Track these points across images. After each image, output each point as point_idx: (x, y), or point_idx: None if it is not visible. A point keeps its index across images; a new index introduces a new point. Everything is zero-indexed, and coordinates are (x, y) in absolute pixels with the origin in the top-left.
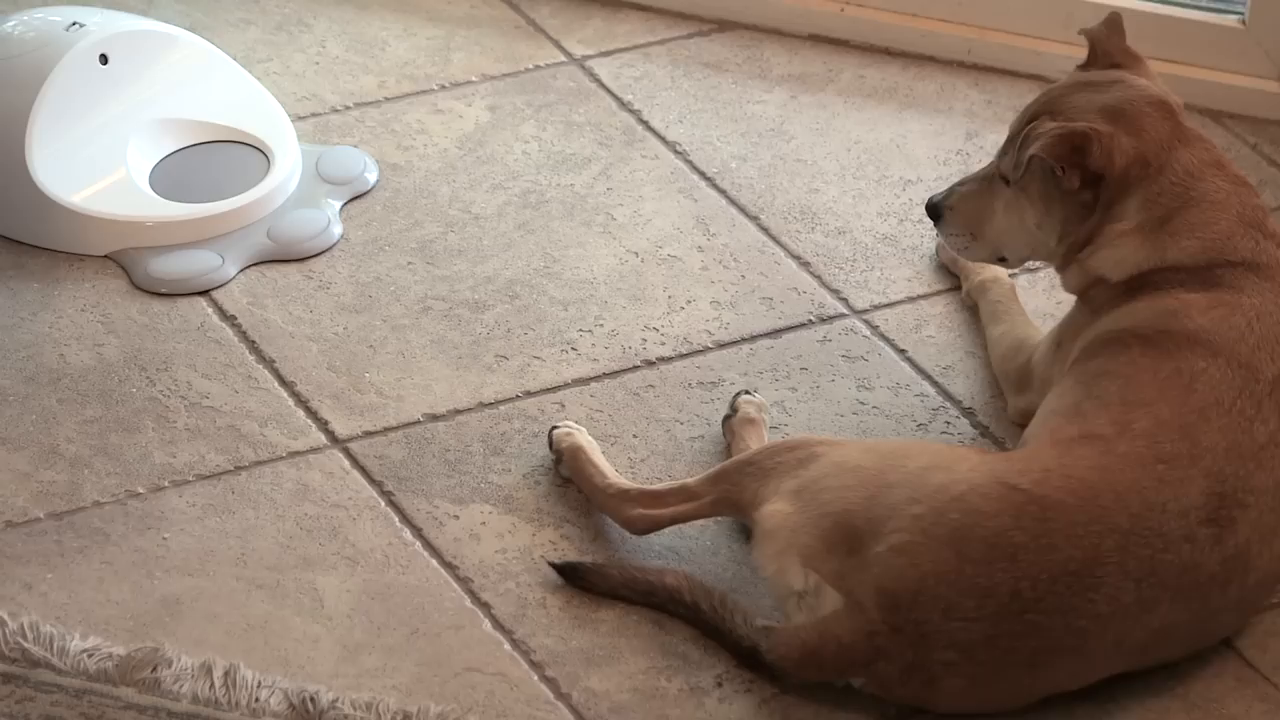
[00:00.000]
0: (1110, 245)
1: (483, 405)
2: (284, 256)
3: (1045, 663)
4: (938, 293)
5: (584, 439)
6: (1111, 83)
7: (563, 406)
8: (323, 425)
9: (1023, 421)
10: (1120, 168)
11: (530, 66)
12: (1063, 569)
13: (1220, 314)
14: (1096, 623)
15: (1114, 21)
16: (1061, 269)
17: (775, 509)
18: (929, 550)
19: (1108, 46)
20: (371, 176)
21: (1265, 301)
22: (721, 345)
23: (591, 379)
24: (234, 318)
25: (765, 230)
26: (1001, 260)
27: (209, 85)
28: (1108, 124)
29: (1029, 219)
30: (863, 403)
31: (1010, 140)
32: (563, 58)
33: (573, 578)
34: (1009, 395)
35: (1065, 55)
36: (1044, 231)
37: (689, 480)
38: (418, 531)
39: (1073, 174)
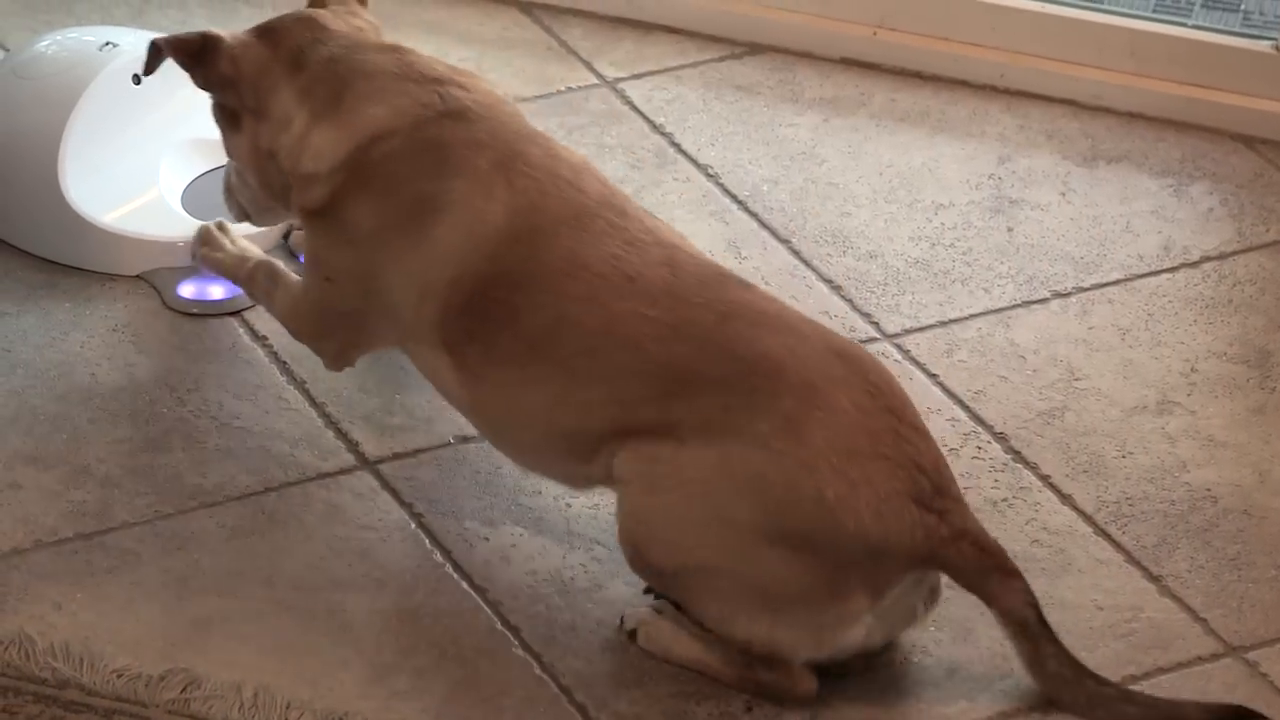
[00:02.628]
0: (301, 147)
1: None
2: None
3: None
4: (970, 317)
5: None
6: (286, 16)
7: None
8: (353, 446)
9: (343, 364)
10: (248, 72)
11: (562, 88)
12: None
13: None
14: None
15: None
16: (290, 199)
17: None
18: None
19: None
20: None
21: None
22: None
23: None
24: (265, 338)
25: (797, 254)
26: (247, 218)
27: None
28: (248, 36)
29: (234, 148)
30: None
31: None
32: (595, 80)
33: None
34: (319, 347)
35: (1097, 81)
36: (238, 158)
37: None
38: (447, 553)
39: (197, 74)
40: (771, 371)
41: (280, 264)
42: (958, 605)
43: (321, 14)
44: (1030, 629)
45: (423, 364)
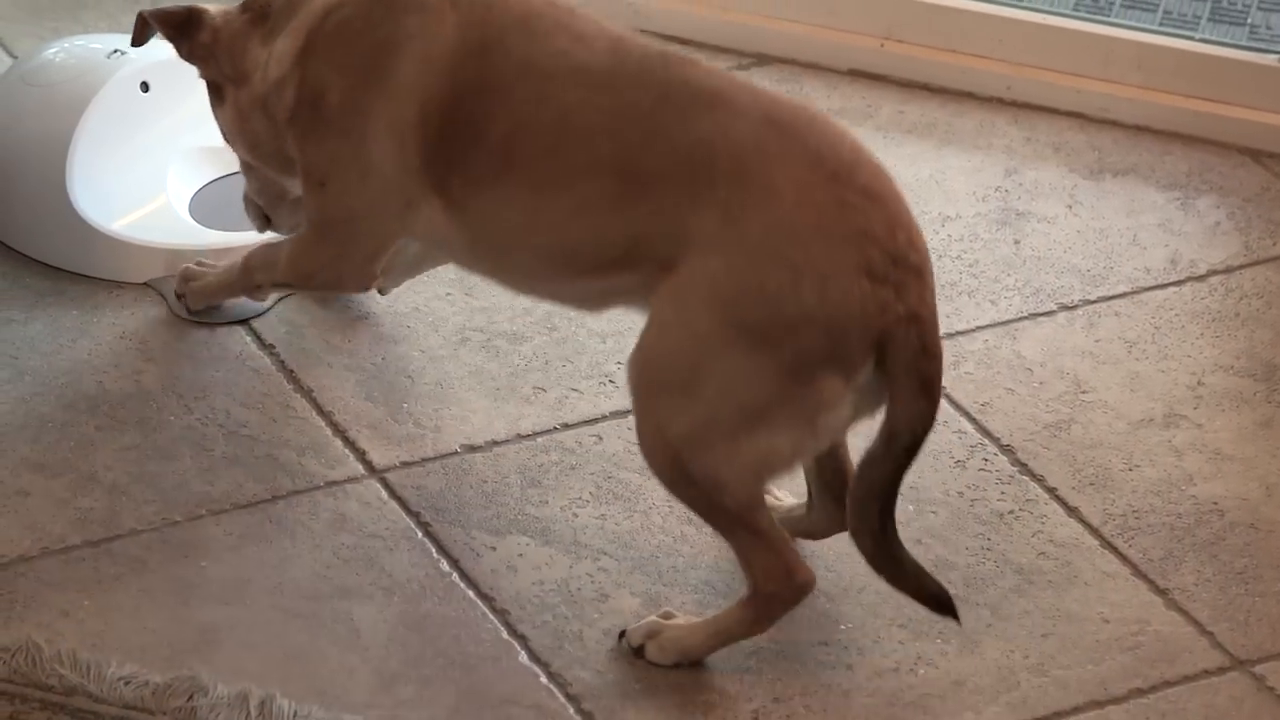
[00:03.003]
0: (269, 67)
1: (520, 437)
2: None
3: None
4: (976, 329)
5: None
6: None
7: (600, 439)
8: (360, 455)
9: (371, 281)
10: (225, 40)
11: None
12: None
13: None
14: None
15: None
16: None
17: None
18: None
19: None
20: None
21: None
22: None
23: (629, 412)
24: (272, 346)
25: None
26: (269, 223)
27: None
28: (233, 9)
29: (222, 121)
30: None
31: None
32: None
33: None
34: (339, 275)
35: (1104, 94)
36: (227, 132)
37: None
38: (454, 562)
39: (181, 46)
40: (704, 159)
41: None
42: (964, 617)
43: None
44: (892, 448)
45: (424, 230)
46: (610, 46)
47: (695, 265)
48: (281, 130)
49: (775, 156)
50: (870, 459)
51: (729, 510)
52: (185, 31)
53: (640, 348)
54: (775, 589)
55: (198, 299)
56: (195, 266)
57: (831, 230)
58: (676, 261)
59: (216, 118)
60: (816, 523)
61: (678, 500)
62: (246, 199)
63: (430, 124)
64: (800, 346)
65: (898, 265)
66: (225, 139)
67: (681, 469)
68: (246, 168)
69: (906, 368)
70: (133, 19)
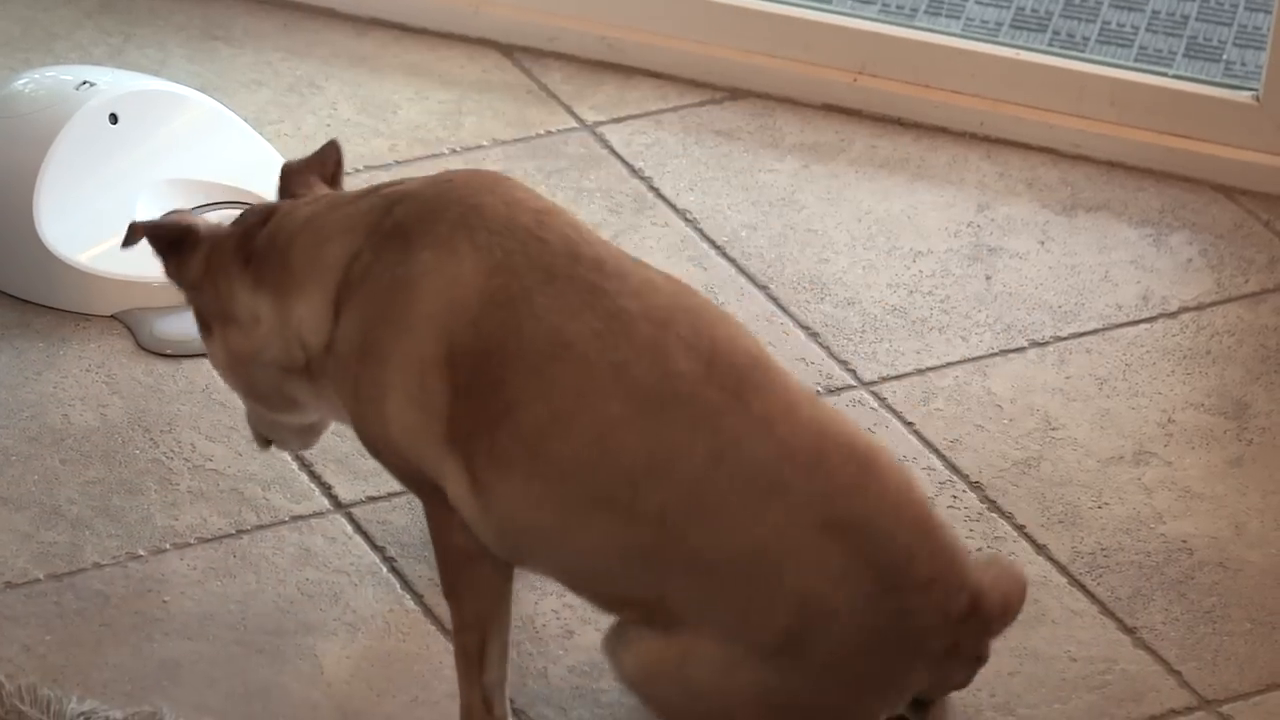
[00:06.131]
0: (292, 335)
1: None
2: None
3: None
4: (947, 365)
5: None
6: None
7: None
8: (326, 490)
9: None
10: (214, 274)
11: (542, 132)
12: None
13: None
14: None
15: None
16: (312, 372)
17: None
18: None
19: (290, 181)
20: None
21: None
22: None
23: None
24: None
25: (774, 300)
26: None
27: (219, 146)
28: (224, 232)
29: (211, 355)
30: None
31: None
32: (574, 123)
33: None
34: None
35: (1077, 129)
36: (218, 367)
37: None
38: (419, 598)
39: (170, 266)
40: (761, 571)
41: None
42: None
43: (281, 202)
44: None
45: (453, 489)
46: (651, 340)
47: (747, 674)
48: (294, 379)
49: (839, 578)
50: None
51: None
52: (178, 251)
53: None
54: None
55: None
56: None
57: (890, 646)
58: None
59: (208, 348)
60: None
61: None
62: (248, 417)
63: (456, 373)
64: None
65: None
66: (214, 366)
67: None
68: (246, 403)
69: None
70: (103, 50)
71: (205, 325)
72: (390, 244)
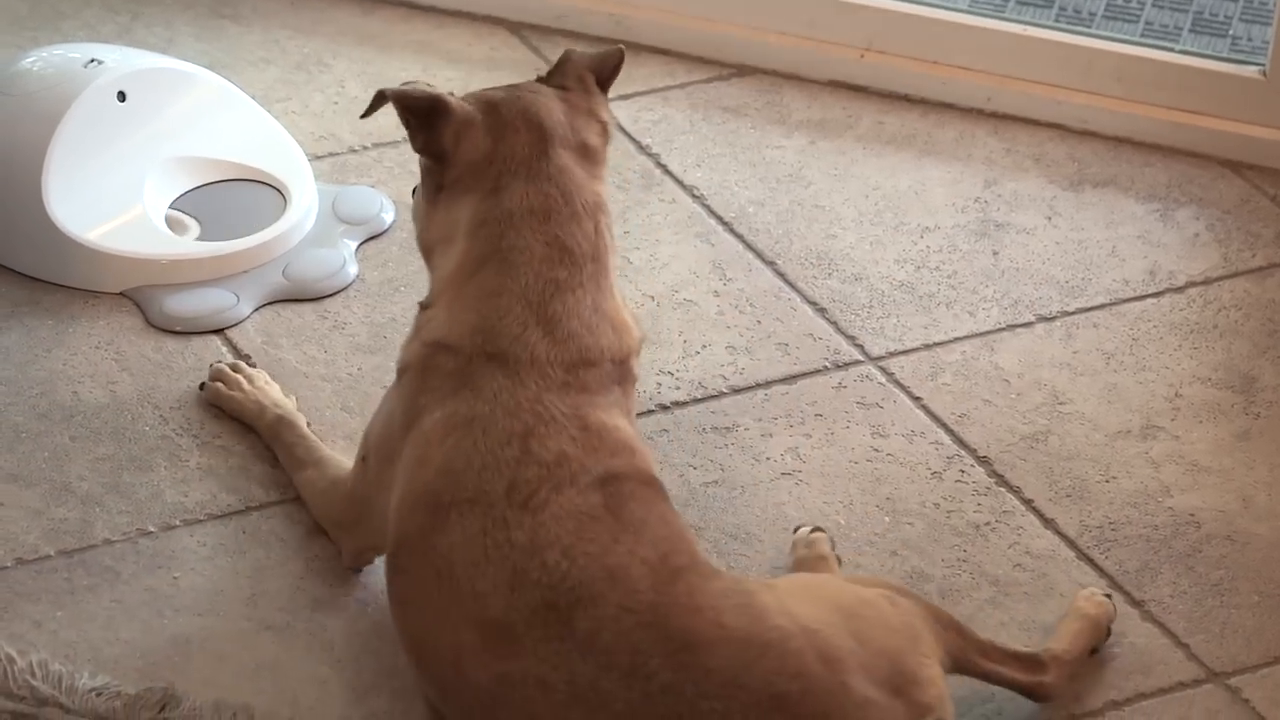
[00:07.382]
0: (433, 312)
1: None
2: (299, 296)
3: None
4: (954, 340)
5: None
6: (521, 89)
7: None
8: None
9: (361, 563)
10: (461, 157)
11: None
12: None
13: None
14: None
15: (598, 57)
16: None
17: None
18: None
19: (565, 70)
20: (388, 217)
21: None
22: (736, 390)
23: None
24: (248, 357)
25: (782, 275)
26: None
27: (227, 123)
28: (475, 109)
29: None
30: (877, 450)
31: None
32: None
33: None
34: (341, 540)
35: (1084, 105)
36: (419, 218)
37: None
38: None
39: (416, 136)
40: None
41: (303, 421)
42: None
43: (551, 122)
44: None
45: None
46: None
47: None
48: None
49: None
50: None
51: None
52: (428, 123)
53: None
54: None
55: (217, 400)
56: (232, 372)
57: None
58: None
59: (416, 213)
60: None
61: None
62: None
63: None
64: None
65: None
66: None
67: None
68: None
69: None
70: (111, 29)
71: (433, 190)
72: (460, 377)
